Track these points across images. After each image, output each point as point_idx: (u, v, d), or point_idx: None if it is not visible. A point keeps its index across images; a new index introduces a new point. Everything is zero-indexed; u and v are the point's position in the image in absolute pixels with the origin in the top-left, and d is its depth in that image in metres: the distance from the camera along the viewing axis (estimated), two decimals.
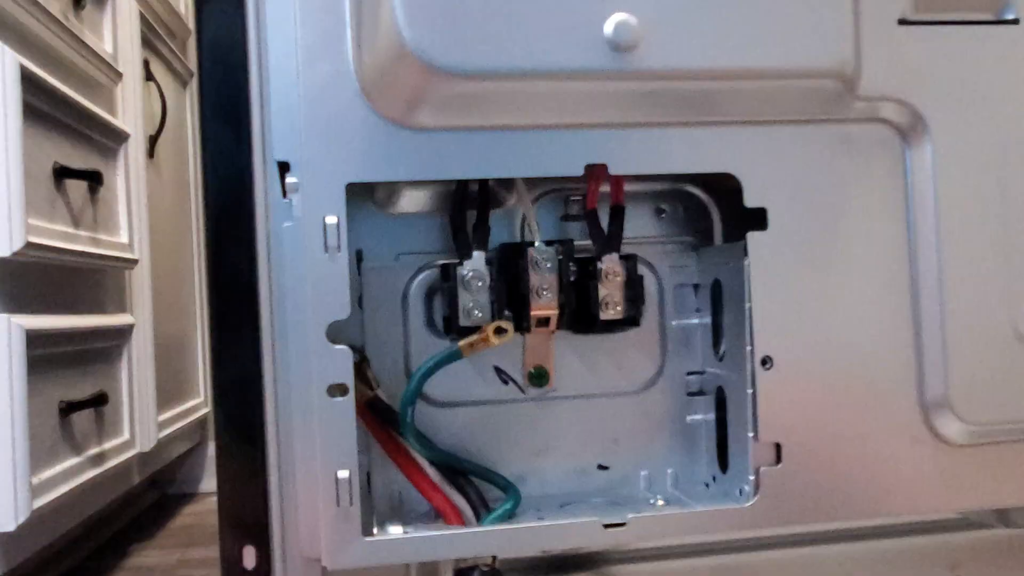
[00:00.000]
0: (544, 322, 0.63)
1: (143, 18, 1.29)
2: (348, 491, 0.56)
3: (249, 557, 0.58)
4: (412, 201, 0.66)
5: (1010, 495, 0.64)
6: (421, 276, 0.67)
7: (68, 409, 0.93)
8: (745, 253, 0.61)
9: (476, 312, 0.62)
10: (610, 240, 0.65)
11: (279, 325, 0.57)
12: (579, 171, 0.58)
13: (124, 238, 1.14)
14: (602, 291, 0.64)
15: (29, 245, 0.83)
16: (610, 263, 0.64)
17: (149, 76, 1.31)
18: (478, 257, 0.63)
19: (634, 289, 0.65)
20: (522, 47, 0.54)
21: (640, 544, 0.71)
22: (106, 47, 1.15)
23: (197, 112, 0.61)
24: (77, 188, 1.00)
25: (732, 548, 0.74)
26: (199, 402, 1.51)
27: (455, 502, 0.64)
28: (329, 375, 0.56)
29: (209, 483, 1.53)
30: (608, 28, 0.55)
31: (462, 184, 0.64)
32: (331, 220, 0.55)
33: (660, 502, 0.67)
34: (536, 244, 0.63)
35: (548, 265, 0.62)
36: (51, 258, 0.91)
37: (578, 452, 0.70)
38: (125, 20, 1.21)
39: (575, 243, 0.65)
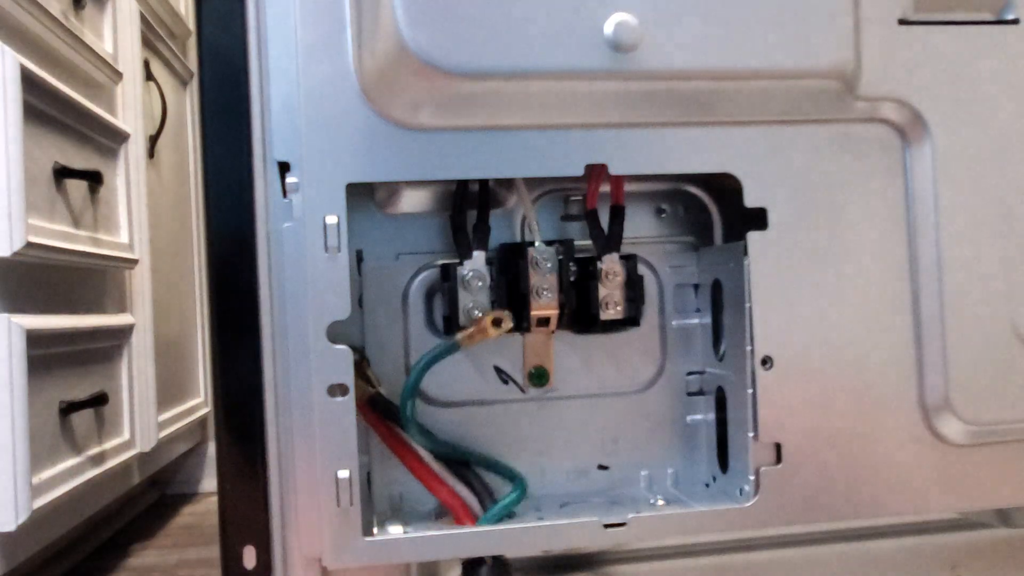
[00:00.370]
0: (544, 322, 0.63)
1: (143, 18, 1.29)
2: (348, 491, 0.56)
3: (249, 557, 0.58)
4: (412, 201, 0.66)
5: (1010, 495, 0.64)
6: (421, 276, 0.67)
7: (68, 409, 0.93)
8: (745, 253, 0.61)
9: (476, 312, 0.62)
10: (610, 240, 0.65)
11: (279, 325, 0.57)
12: (579, 171, 0.58)
13: (124, 238, 1.14)
14: (602, 291, 0.64)
15: (29, 245, 0.83)
16: (610, 263, 0.64)
17: (149, 76, 1.31)
18: (478, 257, 0.63)
19: (634, 289, 0.65)
20: (522, 47, 0.54)
21: (640, 544, 0.71)
22: (106, 47, 1.15)
23: (197, 112, 0.62)
24: (77, 188, 1.00)
25: (732, 548, 0.74)
26: (199, 402, 1.51)
27: (461, 494, 0.64)
28: (329, 375, 0.56)
29: (209, 483, 1.53)
30: (608, 28, 0.55)
31: (462, 184, 0.64)
32: (331, 220, 0.55)
33: (660, 502, 0.67)
34: (536, 244, 0.63)
35: (548, 265, 0.62)
36: (51, 258, 0.91)
37: (578, 452, 0.70)
38: (125, 20, 1.21)
39: (575, 243, 0.65)
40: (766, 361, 0.61)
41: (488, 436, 0.68)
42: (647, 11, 0.55)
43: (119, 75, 1.19)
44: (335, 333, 0.56)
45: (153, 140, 1.32)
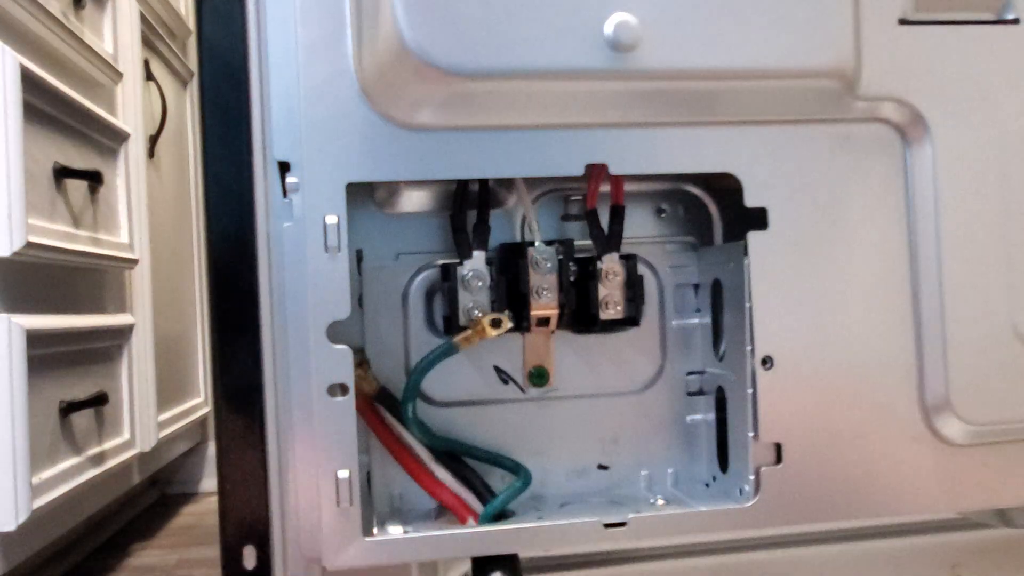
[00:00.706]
0: (544, 322, 0.63)
1: (143, 18, 1.29)
2: (348, 491, 0.56)
3: (249, 557, 0.58)
4: (412, 201, 0.66)
5: (1010, 495, 0.64)
6: (421, 276, 0.67)
7: (68, 409, 0.93)
8: (745, 253, 0.61)
9: (476, 312, 0.62)
10: (610, 240, 0.65)
11: (279, 325, 0.57)
12: (579, 171, 0.58)
13: (124, 238, 1.15)
14: (602, 291, 0.64)
15: (29, 245, 0.83)
16: (610, 263, 0.64)
17: (149, 76, 1.31)
18: (478, 257, 0.63)
19: (634, 289, 0.65)
20: (522, 47, 0.54)
21: (640, 544, 0.71)
22: (106, 47, 1.15)
23: (197, 112, 0.61)
24: (77, 188, 1.00)
25: (732, 548, 0.74)
26: (199, 402, 1.51)
27: (462, 496, 0.64)
28: (329, 375, 0.56)
29: (209, 483, 1.54)
30: (608, 28, 0.55)
31: (462, 184, 0.64)
32: (331, 220, 0.55)
33: (660, 502, 0.67)
34: (536, 244, 0.63)
35: (548, 265, 0.62)
36: (51, 258, 0.91)
37: (578, 452, 0.70)
38: (125, 20, 1.21)
39: (575, 243, 0.65)
40: (766, 361, 0.61)
41: (488, 436, 0.68)
42: (647, 11, 0.55)
43: (119, 75, 1.19)
44: (335, 333, 0.56)
45: (153, 140, 1.32)
